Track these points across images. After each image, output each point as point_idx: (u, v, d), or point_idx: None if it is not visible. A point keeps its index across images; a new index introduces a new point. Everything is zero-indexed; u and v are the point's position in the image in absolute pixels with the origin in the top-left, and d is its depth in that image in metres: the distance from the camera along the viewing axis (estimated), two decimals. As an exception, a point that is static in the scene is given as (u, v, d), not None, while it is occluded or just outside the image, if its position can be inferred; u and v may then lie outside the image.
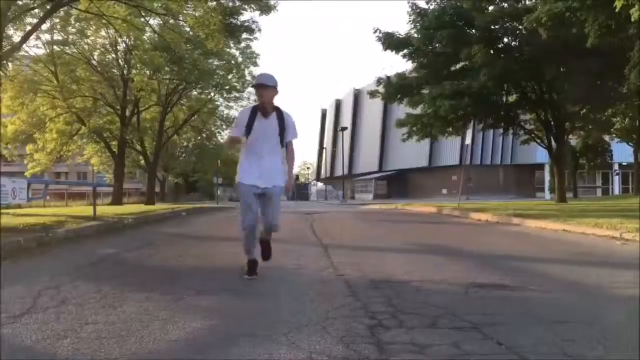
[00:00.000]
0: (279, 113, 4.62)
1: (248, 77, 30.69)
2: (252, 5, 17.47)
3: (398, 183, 56.96)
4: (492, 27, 19.41)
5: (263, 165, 4.56)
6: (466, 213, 14.64)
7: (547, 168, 41.03)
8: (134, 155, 35.86)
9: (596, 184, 44.55)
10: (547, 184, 40.57)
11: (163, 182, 48.73)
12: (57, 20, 22.45)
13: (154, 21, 21.33)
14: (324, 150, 78.33)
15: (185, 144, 44.43)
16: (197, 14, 17.60)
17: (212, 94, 32.40)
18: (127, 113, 27.75)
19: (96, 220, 10.61)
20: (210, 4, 16.35)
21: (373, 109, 57.81)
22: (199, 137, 41.48)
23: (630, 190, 40.47)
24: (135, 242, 8.10)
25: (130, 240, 8.43)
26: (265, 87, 4.51)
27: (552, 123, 20.97)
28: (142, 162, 34.09)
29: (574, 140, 32.25)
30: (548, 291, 4.04)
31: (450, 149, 48.35)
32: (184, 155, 48.38)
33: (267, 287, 4.27)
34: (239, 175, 4.63)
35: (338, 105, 76.11)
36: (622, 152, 37.57)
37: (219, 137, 41.93)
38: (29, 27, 17.95)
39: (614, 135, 30.47)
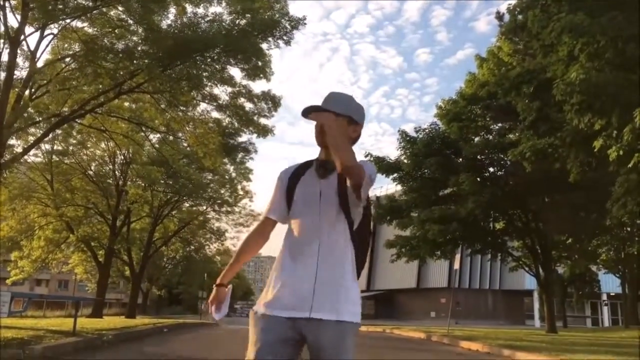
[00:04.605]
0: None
1: (241, 192, 32.91)
2: (251, 128, 18.32)
3: (386, 303, 55.98)
4: (479, 157, 20.30)
5: (309, 271, 2.01)
6: (456, 341, 14.33)
7: (535, 295, 40.77)
8: (119, 265, 35.39)
9: (585, 314, 44.01)
10: (536, 312, 40.13)
11: (146, 293, 47.65)
12: (59, 132, 22.95)
13: (154, 136, 21.99)
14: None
15: (172, 254, 44.00)
16: (197, 132, 18.27)
17: (205, 207, 32.74)
18: (118, 223, 27.76)
19: (75, 336, 10.27)
20: (210, 125, 17.11)
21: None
22: (188, 249, 41.28)
23: (619, 322, 39.97)
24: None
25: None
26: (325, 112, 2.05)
27: (539, 251, 21.22)
28: (127, 272, 33.56)
29: (561, 269, 32.38)
30: None
31: (439, 271, 48.17)
32: (170, 266, 47.76)
33: None
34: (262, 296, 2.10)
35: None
36: (609, 283, 37.60)
37: (207, 250, 41.87)
38: (31, 138, 18.43)
39: (600, 265, 30.69)
